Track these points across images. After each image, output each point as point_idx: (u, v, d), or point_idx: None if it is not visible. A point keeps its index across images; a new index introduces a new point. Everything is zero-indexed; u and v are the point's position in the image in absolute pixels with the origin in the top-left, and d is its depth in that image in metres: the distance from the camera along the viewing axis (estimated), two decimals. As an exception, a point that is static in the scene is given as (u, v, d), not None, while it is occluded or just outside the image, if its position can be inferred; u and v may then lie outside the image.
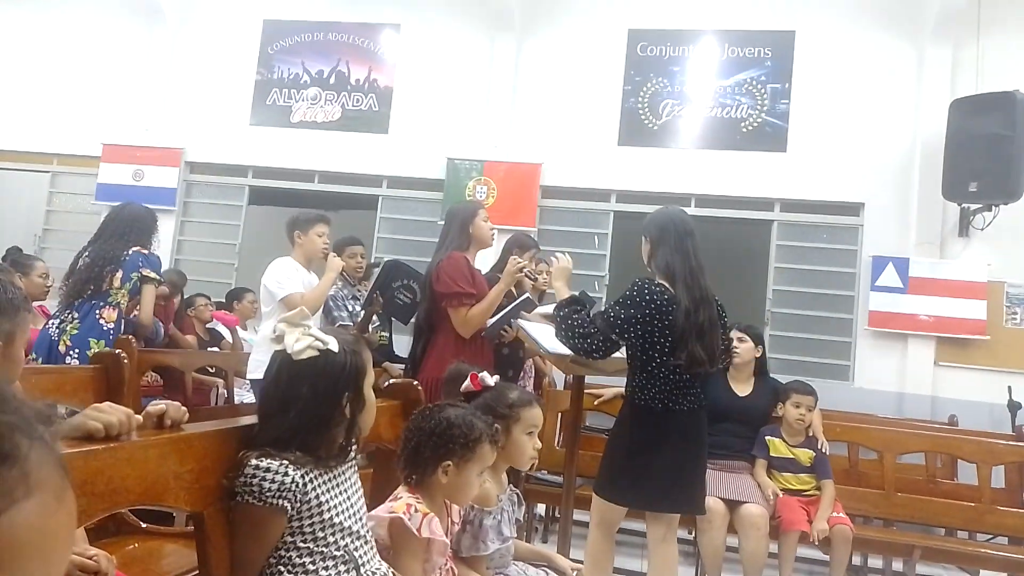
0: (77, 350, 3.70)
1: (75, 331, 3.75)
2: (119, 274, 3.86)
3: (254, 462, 1.39)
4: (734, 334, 3.59)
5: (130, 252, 3.90)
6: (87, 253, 3.94)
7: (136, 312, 4.00)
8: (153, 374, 4.29)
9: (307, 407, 1.48)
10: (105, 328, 3.81)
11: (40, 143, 7.73)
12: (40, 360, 3.65)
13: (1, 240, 6.14)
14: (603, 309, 2.79)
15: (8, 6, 7.97)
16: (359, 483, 1.59)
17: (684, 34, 6.69)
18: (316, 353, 1.52)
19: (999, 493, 3.86)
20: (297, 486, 1.40)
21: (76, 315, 3.79)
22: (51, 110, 7.71)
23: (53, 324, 3.79)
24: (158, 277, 3.99)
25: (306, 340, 1.52)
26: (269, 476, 1.38)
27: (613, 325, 2.69)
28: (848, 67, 6.33)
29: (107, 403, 1.20)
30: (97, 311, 3.82)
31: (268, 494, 1.38)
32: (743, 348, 3.67)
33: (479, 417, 1.84)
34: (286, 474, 1.39)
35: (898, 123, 6.19)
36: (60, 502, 0.58)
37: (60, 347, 3.71)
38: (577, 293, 4.40)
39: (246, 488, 1.38)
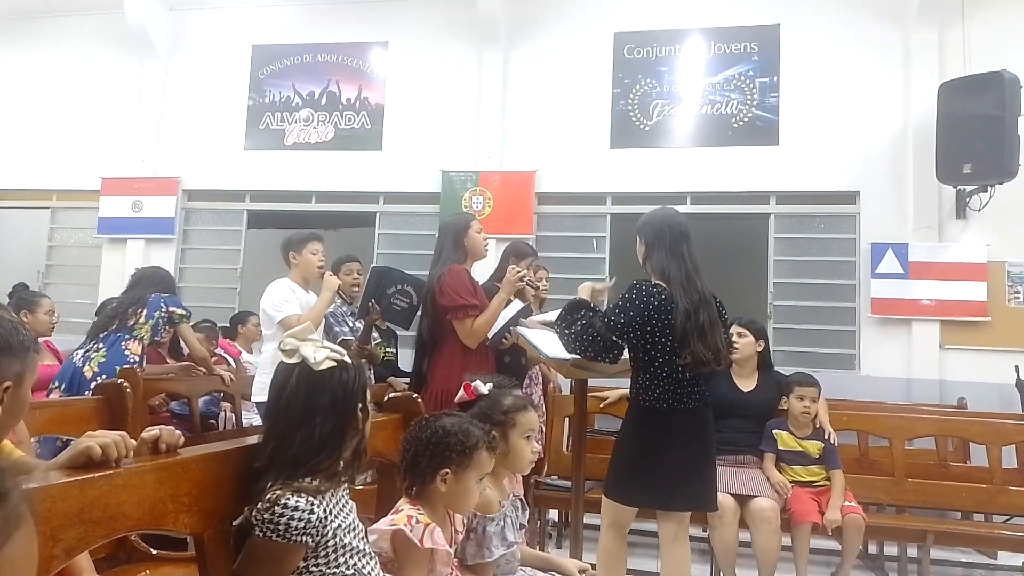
0: (104, 376, 3.83)
1: (102, 359, 3.96)
2: (143, 311, 4.14)
3: (284, 501, 1.37)
4: (733, 329, 3.59)
5: (151, 296, 4.21)
6: (114, 302, 4.31)
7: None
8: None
9: (326, 418, 1.50)
10: (130, 359, 4.02)
11: (40, 180, 7.80)
12: (63, 387, 3.85)
13: (5, 278, 6.20)
14: (603, 312, 2.80)
15: (2, 48, 8.06)
16: (351, 500, 1.60)
17: (670, 34, 6.72)
18: (334, 363, 1.55)
19: (1011, 473, 3.83)
20: (321, 522, 1.41)
21: (102, 345, 4.02)
22: (49, 147, 7.79)
23: (78, 353, 4.01)
24: (186, 313, 4.29)
25: (324, 351, 1.55)
26: (297, 515, 1.37)
27: (613, 328, 2.70)
28: (835, 57, 6.35)
29: (100, 430, 1.22)
30: (123, 343, 4.06)
31: (294, 532, 1.37)
32: (743, 343, 3.67)
33: (475, 424, 1.85)
34: (312, 511, 1.39)
35: (888, 109, 6.20)
36: (31, 530, 0.75)
37: (86, 372, 3.89)
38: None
39: (270, 525, 1.37)
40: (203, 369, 4.39)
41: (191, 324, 4.49)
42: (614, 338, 2.72)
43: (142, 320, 4.14)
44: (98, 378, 3.81)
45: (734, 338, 3.51)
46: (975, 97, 5.36)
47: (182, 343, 4.43)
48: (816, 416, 3.63)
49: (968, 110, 5.38)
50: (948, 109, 5.53)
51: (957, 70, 5.76)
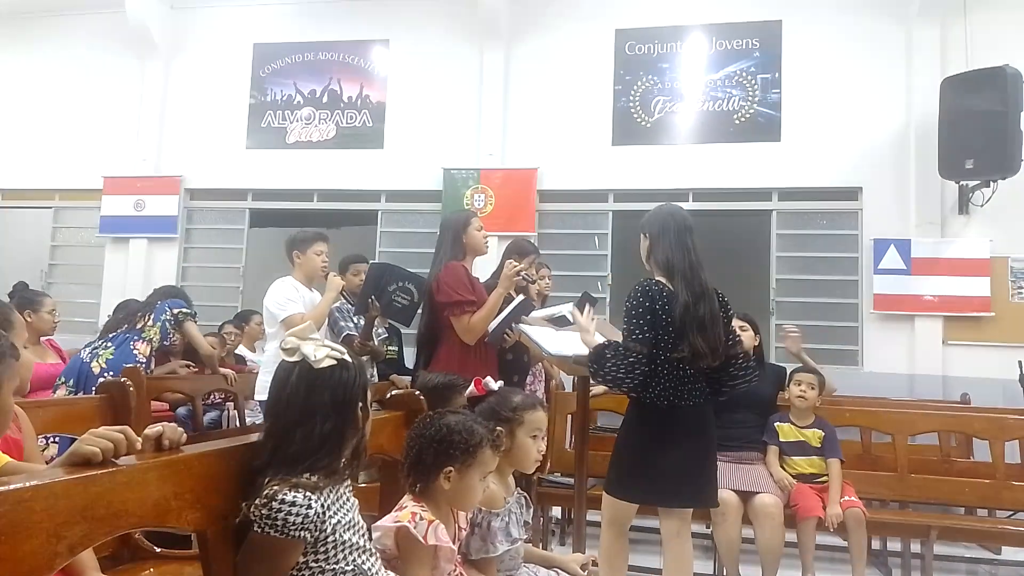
0: (111, 372, 3.93)
1: (110, 356, 4.09)
2: (151, 316, 4.35)
3: (281, 496, 1.38)
4: (736, 323, 3.59)
5: (159, 302, 4.44)
6: (128, 305, 4.63)
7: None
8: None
9: (326, 416, 1.50)
10: (138, 359, 4.16)
11: (42, 179, 7.82)
12: (71, 382, 3.94)
13: (8, 277, 6.21)
14: (624, 331, 2.72)
15: (3, 48, 8.07)
16: (353, 497, 1.60)
17: (671, 30, 6.71)
18: (334, 362, 1.55)
19: (1015, 468, 3.83)
20: (319, 516, 1.41)
21: (111, 344, 4.19)
22: (51, 146, 7.80)
23: (86, 350, 4.16)
24: (190, 311, 4.46)
25: (324, 350, 1.56)
26: (295, 510, 1.38)
27: (642, 340, 2.65)
28: (837, 52, 6.34)
29: (103, 427, 1.22)
30: (131, 343, 4.22)
31: (291, 527, 1.38)
32: (745, 337, 3.68)
33: (479, 422, 1.85)
34: (309, 507, 1.39)
35: (890, 105, 6.18)
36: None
37: (94, 368, 4.01)
38: (580, 295, 4.43)
39: (268, 521, 1.37)
40: (209, 369, 4.47)
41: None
42: (646, 348, 2.66)
43: (150, 323, 4.31)
44: (105, 374, 3.92)
45: (738, 332, 3.50)
46: (977, 92, 5.35)
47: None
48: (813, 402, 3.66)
49: (970, 105, 5.37)
50: (950, 104, 5.52)
51: (959, 65, 5.74)
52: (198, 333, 4.44)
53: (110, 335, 4.28)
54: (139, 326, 4.31)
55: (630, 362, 2.63)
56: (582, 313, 2.95)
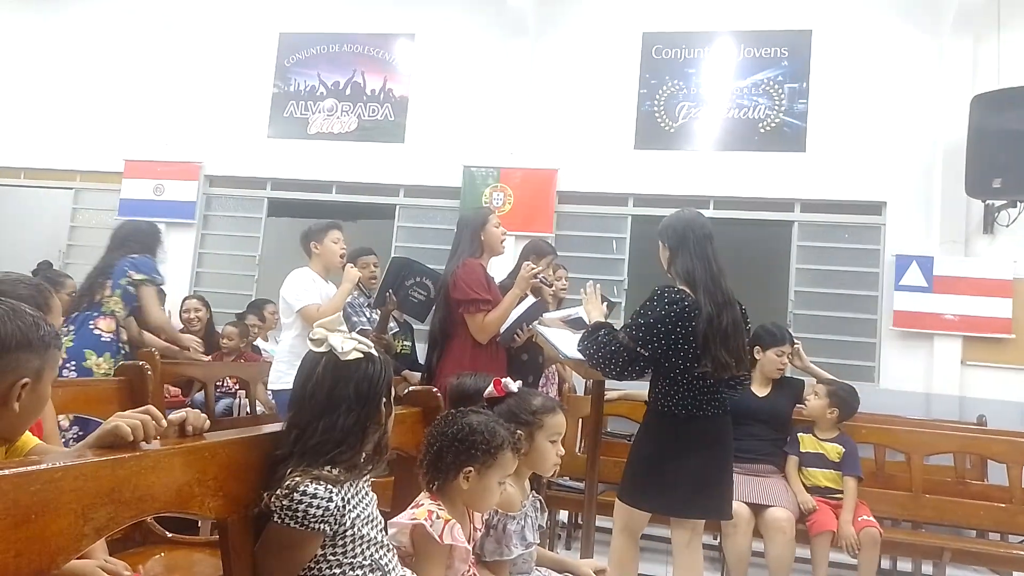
0: (73, 363, 3.64)
1: (70, 343, 3.66)
2: (109, 282, 3.87)
3: (303, 488, 1.37)
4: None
5: (119, 260, 3.91)
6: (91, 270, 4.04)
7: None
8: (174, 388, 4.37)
9: (350, 409, 1.50)
10: (103, 339, 3.78)
11: (63, 160, 7.86)
12: None
13: (28, 256, 6.25)
14: (626, 323, 2.77)
15: (29, 27, 8.12)
16: (372, 492, 1.59)
17: (699, 36, 6.67)
18: (361, 355, 1.54)
19: (1031, 494, 3.77)
20: (339, 510, 1.41)
21: (71, 328, 3.74)
22: (73, 128, 7.85)
23: None
24: (148, 277, 3.91)
25: (352, 342, 1.55)
26: (316, 502, 1.37)
27: (636, 338, 2.66)
28: (866, 65, 6.28)
29: (130, 410, 1.21)
30: (91, 322, 3.79)
31: (312, 519, 1.37)
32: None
33: (501, 424, 1.84)
34: (330, 499, 1.39)
35: (919, 120, 6.12)
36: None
37: None
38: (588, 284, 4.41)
39: (288, 512, 1.37)
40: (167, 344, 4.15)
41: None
42: (638, 349, 2.67)
43: (108, 292, 3.85)
44: (68, 365, 3.58)
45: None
46: (1008, 111, 5.28)
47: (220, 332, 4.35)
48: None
49: (1000, 124, 5.30)
50: (980, 122, 5.45)
51: (991, 83, 5.68)
52: (153, 300, 3.96)
53: (72, 315, 3.76)
54: (97, 299, 3.84)
55: (612, 350, 2.67)
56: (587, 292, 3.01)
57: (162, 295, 4.42)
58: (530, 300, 3.49)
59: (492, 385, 2.08)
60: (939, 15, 6.10)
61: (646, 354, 2.68)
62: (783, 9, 6.50)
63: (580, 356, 3.14)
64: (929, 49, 6.16)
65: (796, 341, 4.04)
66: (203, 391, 4.20)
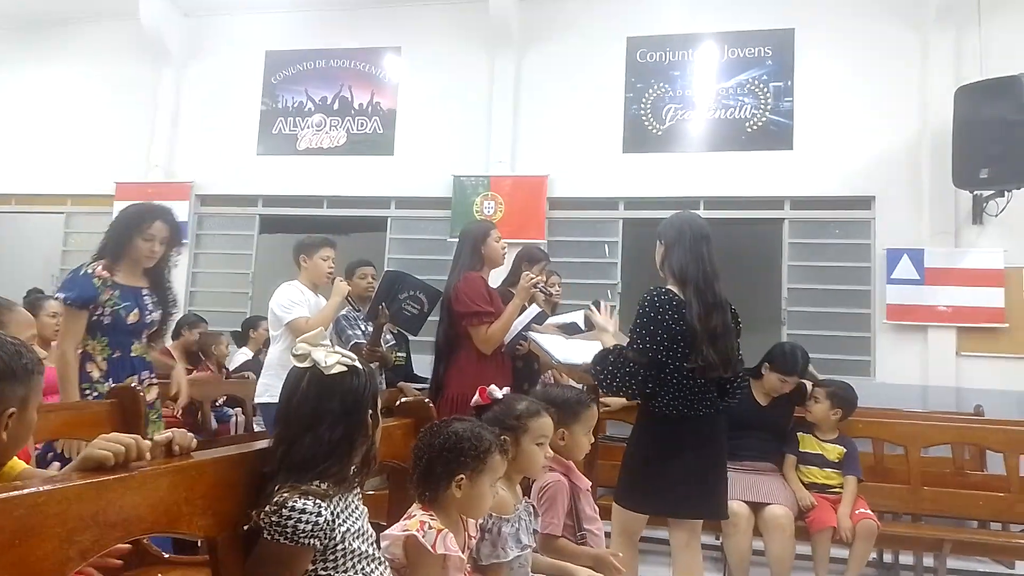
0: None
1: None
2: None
3: (291, 503, 1.37)
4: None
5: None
6: None
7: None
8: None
9: (336, 423, 1.49)
10: None
11: (54, 185, 7.87)
12: None
13: (21, 282, 6.24)
14: (628, 341, 2.75)
15: (18, 54, 8.14)
16: (362, 505, 1.59)
17: (683, 38, 6.71)
18: (345, 369, 1.54)
19: (1029, 482, 3.78)
20: (329, 524, 1.41)
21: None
22: (64, 152, 7.86)
23: None
24: (61, 296, 2.99)
25: (335, 356, 1.55)
26: (305, 518, 1.37)
27: (640, 349, 2.66)
28: (850, 60, 6.32)
29: (113, 433, 1.22)
30: None
31: (301, 535, 1.37)
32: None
33: (486, 428, 1.85)
34: (319, 514, 1.39)
35: (904, 113, 6.15)
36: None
37: None
38: (591, 303, 4.42)
39: (278, 528, 1.37)
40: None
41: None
42: (647, 358, 2.67)
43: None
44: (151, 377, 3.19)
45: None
46: (992, 101, 5.32)
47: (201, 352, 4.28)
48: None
49: (985, 114, 5.33)
50: (965, 113, 5.48)
51: (974, 74, 5.71)
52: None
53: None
54: None
55: (628, 371, 2.65)
56: (600, 312, 2.97)
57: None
58: (535, 309, 3.52)
59: (477, 393, 2.10)
60: (921, 8, 6.14)
61: (645, 360, 2.67)
62: (765, 8, 6.54)
63: (574, 360, 3.16)
64: (912, 42, 6.20)
65: (807, 372, 3.80)
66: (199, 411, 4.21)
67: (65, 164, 7.82)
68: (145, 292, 3.10)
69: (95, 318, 2.91)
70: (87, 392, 2.85)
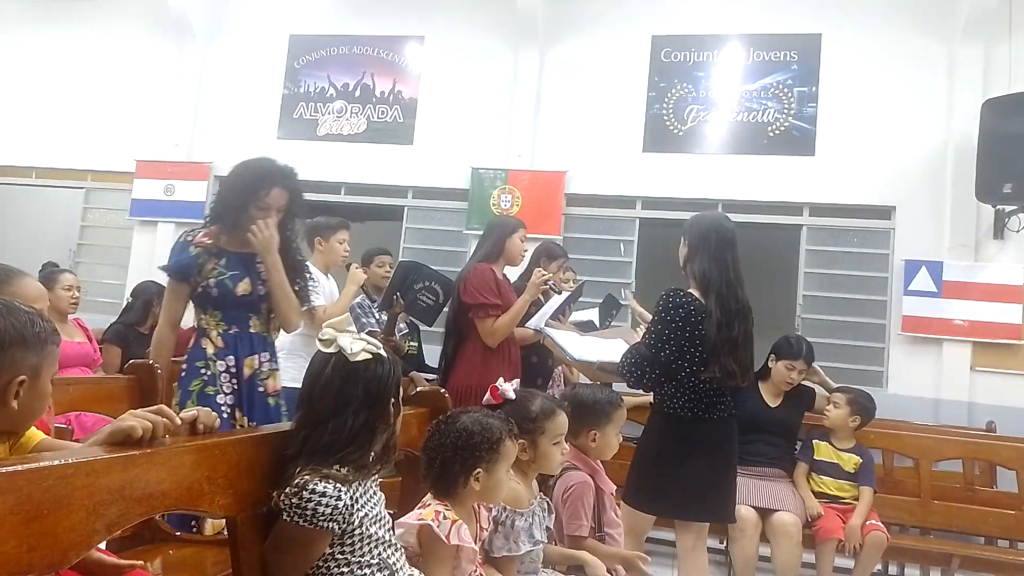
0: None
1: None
2: None
3: (312, 486, 1.38)
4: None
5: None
6: None
7: None
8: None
9: (359, 409, 1.51)
10: None
11: (75, 160, 7.90)
12: None
13: (38, 255, 6.29)
14: (644, 337, 2.78)
15: (42, 27, 8.18)
16: (380, 492, 1.60)
17: (708, 39, 6.66)
18: (370, 356, 1.55)
19: (1040, 501, 3.75)
20: (348, 509, 1.42)
21: None
22: (85, 128, 7.88)
23: None
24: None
25: (361, 343, 1.56)
26: (324, 501, 1.39)
27: (651, 345, 2.67)
28: (876, 69, 6.25)
29: (141, 409, 1.22)
30: None
31: (320, 517, 1.39)
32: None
33: (492, 416, 1.87)
34: (339, 498, 1.40)
35: (929, 124, 6.09)
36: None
37: None
38: (605, 296, 4.43)
39: (297, 510, 1.38)
40: None
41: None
42: (653, 355, 2.68)
43: None
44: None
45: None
46: (1019, 116, 5.25)
47: None
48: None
49: (1011, 129, 5.26)
50: (991, 127, 5.42)
51: (1002, 87, 5.64)
52: None
53: None
54: None
55: (633, 361, 2.73)
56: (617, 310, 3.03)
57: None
58: (562, 296, 3.54)
59: (489, 392, 2.10)
60: (950, 20, 6.06)
61: (660, 359, 2.68)
62: (793, 13, 6.48)
63: (588, 358, 3.16)
64: (939, 54, 6.13)
65: (814, 360, 3.89)
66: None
67: (86, 139, 7.85)
68: (259, 260, 2.68)
69: (201, 290, 2.57)
70: (202, 369, 2.54)
